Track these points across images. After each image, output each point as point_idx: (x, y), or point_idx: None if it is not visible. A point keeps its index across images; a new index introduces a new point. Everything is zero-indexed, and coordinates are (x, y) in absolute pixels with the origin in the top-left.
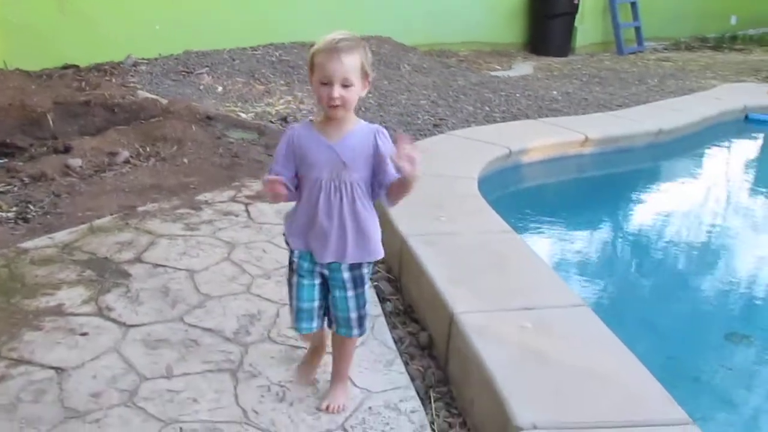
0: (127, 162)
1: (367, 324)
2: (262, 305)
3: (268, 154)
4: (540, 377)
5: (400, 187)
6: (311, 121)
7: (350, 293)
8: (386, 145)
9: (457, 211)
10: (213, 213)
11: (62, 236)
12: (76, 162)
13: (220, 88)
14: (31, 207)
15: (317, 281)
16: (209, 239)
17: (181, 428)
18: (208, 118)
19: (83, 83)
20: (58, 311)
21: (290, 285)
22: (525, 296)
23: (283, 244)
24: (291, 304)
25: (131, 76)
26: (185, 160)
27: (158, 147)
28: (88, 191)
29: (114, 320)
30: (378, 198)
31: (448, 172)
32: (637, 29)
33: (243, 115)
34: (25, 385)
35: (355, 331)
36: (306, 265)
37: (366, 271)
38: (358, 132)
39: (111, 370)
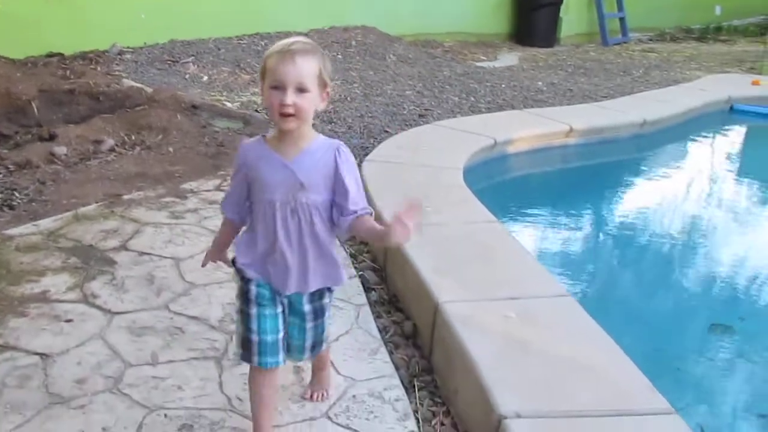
0: (112, 150)
1: (325, 344)
2: None
3: None
4: (524, 367)
5: (374, 236)
6: (263, 137)
7: (309, 324)
8: (346, 166)
9: (442, 201)
10: (198, 201)
11: (47, 223)
12: (61, 150)
13: (205, 78)
14: (17, 194)
15: (279, 309)
16: (195, 227)
17: (165, 414)
18: (194, 107)
19: (68, 71)
20: (43, 298)
21: (246, 316)
22: (509, 286)
23: None
24: (247, 337)
25: (116, 64)
26: (170, 149)
27: (143, 135)
28: (73, 179)
29: (99, 307)
30: (336, 225)
31: (434, 162)
32: (622, 20)
33: (228, 104)
34: (10, 370)
35: (307, 355)
36: (267, 293)
37: (327, 300)
38: (316, 149)
39: (96, 357)
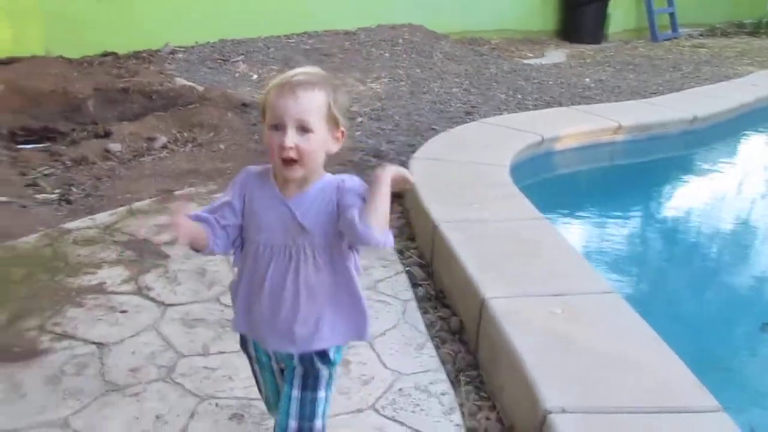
0: (164, 147)
1: None
2: None
3: None
4: (569, 362)
5: (378, 199)
6: (272, 167)
7: (295, 393)
8: (350, 194)
9: (488, 197)
10: None
11: (103, 218)
12: (116, 146)
13: (255, 76)
14: (74, 189)
15: (276, 367)
16: None
17: (217, 404)
18: (244, 105)
19: (122, 70)
20: (100, 289)
21: (251, 366)
22: (555, 282)
23: None
24: (257, 385)
25: (168, 63)
26: (221, 146)
27: (195, 133)
28: (127, 175)
29: (153, 299)
30: (354, 250)
31: (480, 159)
32: (672, 15)
33: None
34: (69, 358)
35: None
36: (264, 358)
37: (324, 371)
38: (321, 187)
39: (150, 347)
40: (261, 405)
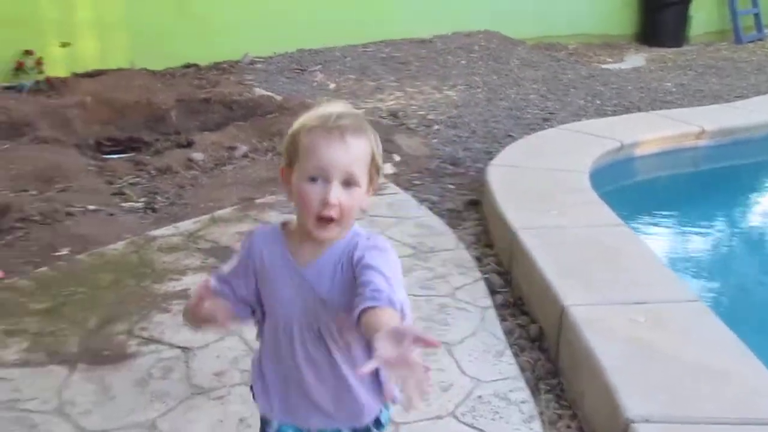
0: (245, 156)
1: None
2: None
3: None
4: (653, 371)
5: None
6: (283, 225)
7: None
8: (368, 253)
9: (567, 204)
10: None
11: (187, 225)
12: (198, 156)
13: (332, 85)
14: (158, 198)
15: None
16: None
17: None
18: None
19: (204, 81)
20: (184, 295)
21: None
22: (637, 290)
23: (396, 236)
24: None
25: (248, 74)
26: None
27: (274, 142)
28: (209, 183)
29: None
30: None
31: (559, 165)
32: (756, 16)
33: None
34: (155, 362)
35: None
36: None
37: None
38: (342, 246)
39: (233, 352)
40: None
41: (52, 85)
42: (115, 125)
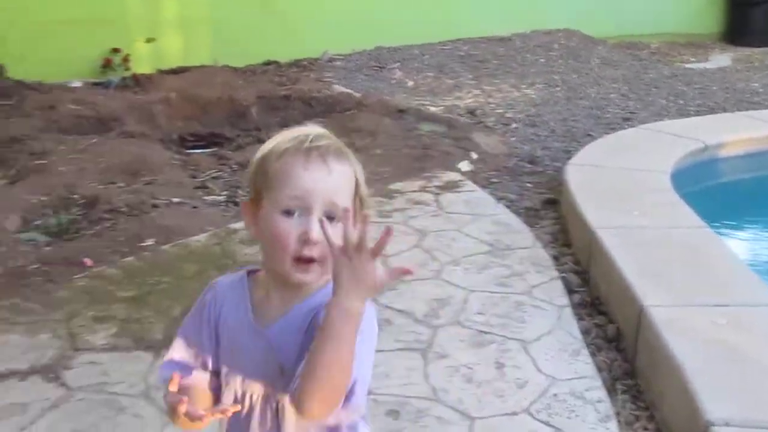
0: None
1: None
2: (451, 291)
3: (457, 146)
4: (734, 374)
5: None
6: (249, 273)
7: None
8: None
9: (648, 204)
10: (404, 201)
11: None
12: None
13: (410, 83)
14: (239, 191)
15: None
16: (401, 226)
17: (375, 400)
18: (400, 111)
19: (284, 78)
20: None
21: None
22: (718, 292)
23: (473, 233)
24: None
25: (327, 71)
26: (378, 151)
27: (353, 138)
28: None
29: None
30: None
31: (639, 165)
32: None
33: (433, 109)
34: None
35: None
36: None
37: None
38: (308, 304)
39: None
40: (417, 403)
41: (138, 82)
42: (198, 121)
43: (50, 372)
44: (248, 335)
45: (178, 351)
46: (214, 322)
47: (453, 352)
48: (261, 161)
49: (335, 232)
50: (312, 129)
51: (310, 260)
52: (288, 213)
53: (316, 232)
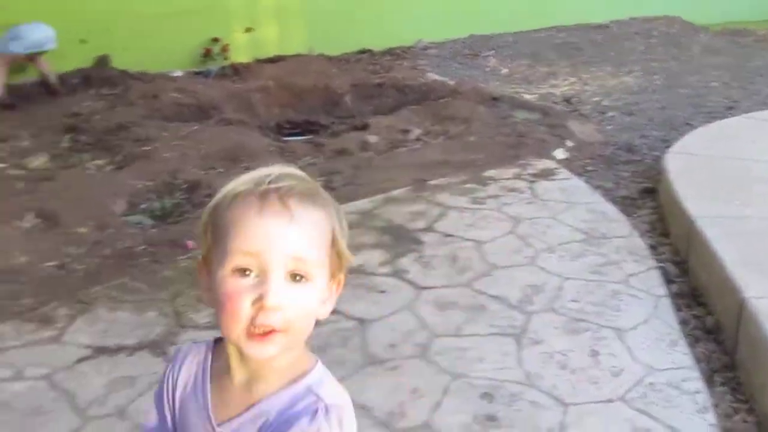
0: (418, 139)
1: None
2: (546, 277)
3: (552, 134)
4: None
5: None
6: (217, 342)
7: None
8: None
9: (752, 195)
10: (498, 188)
11: (362, 204)
12: (373, 138)
13: (505, 70)
14: (335, 177)
15: None
16: (495, 213)
17: (469, 383)
18: (494, 98)
19: (377, 66)
20: (360, 270)
21: None
22: None
23: (568, 221)
24: None
25: (421, 59)
26: (472, 138)
27: (447, 125)
28: (383, 165)
29: (408, 281)
30: None
31: (742, 155)
32: None
33: (527, 96)
34: (334, 331)
35: None
36: None
37: None
38: (273, 403)
39: (406, 326)
40: (511, 387)
41: (236, 71)
42: (294, 109)
43: (157, 347)
44: (201, 426)
45: (151, 416)
46: (172, 394)
47: (547, 338)
48: (212, 210)
49: (301, 296)
50: (276, 168)
51: (268, 330)
52: (242, 272)
53: (273, 296)
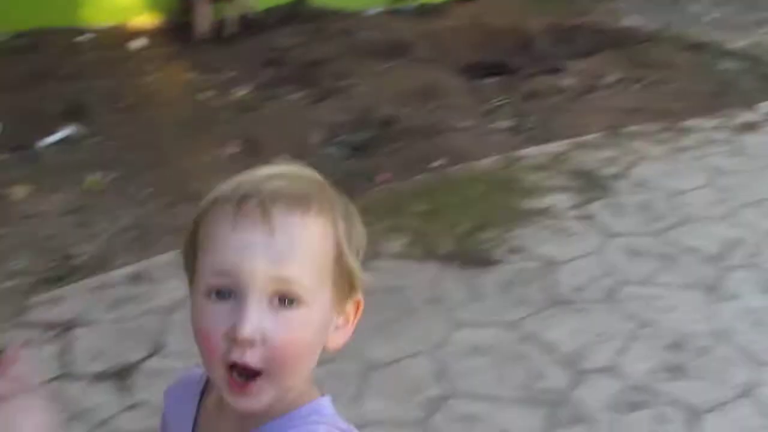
0: (613, 85)
1: None
2: (744, 233)
3: (761, 85)
4: None
5: None
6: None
7: None
8: None
9: None
10: (698, 139)
11: (552, 148)
12: (565, 82)
13: (710, 17)
14: (526, 120)
15: None
16: (692, 162)
17: (657, 332)
18: (696, 46)
19: (576, 6)
20: (548, 212)
21: None
22: None
23: None
24: None
25: (621, 2)
26: (671, 86)
27: (644, 72)
28: (575, 109)
29: (597, 227)
30: None
31: None
32: None
33: (734, 44)
34: (519, 271)
35: None
36: None
37: None
38: (275, 428)
39: (593, 270)
40: (701, 339)
41: (431, 9)
42: (486, 49)
43: None
44: None
45: None
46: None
47: (743, 294)
48: (194, 224)
49: (292, 323)
50: (275, 168)
51: (247, 372)
52: (217, 295)
53: (247, 325)
